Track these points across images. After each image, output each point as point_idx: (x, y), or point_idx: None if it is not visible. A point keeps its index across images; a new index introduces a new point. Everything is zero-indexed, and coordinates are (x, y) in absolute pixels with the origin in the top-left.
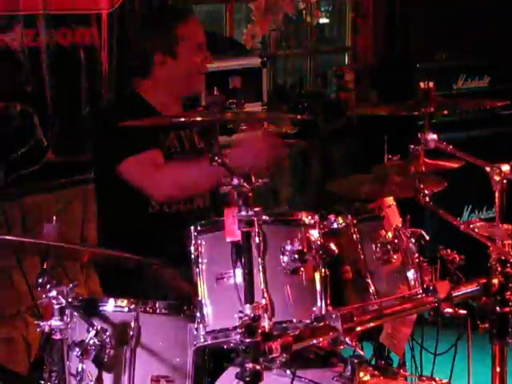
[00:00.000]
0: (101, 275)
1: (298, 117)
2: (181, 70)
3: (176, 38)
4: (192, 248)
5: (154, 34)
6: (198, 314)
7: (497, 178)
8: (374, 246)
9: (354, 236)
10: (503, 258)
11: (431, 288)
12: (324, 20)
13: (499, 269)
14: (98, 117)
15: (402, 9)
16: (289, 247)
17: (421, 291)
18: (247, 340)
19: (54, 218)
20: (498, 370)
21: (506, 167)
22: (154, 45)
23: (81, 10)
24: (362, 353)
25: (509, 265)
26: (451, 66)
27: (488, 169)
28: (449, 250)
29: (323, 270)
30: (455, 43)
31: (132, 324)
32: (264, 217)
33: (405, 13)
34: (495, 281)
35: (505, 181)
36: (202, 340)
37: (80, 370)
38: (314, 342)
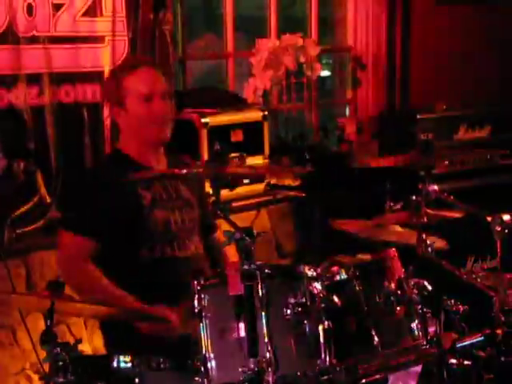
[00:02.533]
0: (104, 330)
1: (302, 170)
2: (132, 121)
3: (123, 90)
4: (195, 302)
5: (107, 87)
6: (202, 369)
7: (498, 228)
8: (377, 297)
9: (357, 288)
10: (506, 307)
11: (435, 339)
12: (325, 73)
13: (503, 319)
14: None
15: (401, 61)
16: (292, 300)
17: (425, 342)
18: None
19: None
20: None
21: (507, 217)
22: (108, 97)
23: (83, 67)
24: None
25: None
26: (451, 116)
27: (489, 219)
28: (452, 301)
29: (326, 322)
30: (455, 94)
31: (136, 380)
32: (267, 270)
33: (404, 65)
34: (499, 331)
35: (506, 230)
36: None
37: None
38: None
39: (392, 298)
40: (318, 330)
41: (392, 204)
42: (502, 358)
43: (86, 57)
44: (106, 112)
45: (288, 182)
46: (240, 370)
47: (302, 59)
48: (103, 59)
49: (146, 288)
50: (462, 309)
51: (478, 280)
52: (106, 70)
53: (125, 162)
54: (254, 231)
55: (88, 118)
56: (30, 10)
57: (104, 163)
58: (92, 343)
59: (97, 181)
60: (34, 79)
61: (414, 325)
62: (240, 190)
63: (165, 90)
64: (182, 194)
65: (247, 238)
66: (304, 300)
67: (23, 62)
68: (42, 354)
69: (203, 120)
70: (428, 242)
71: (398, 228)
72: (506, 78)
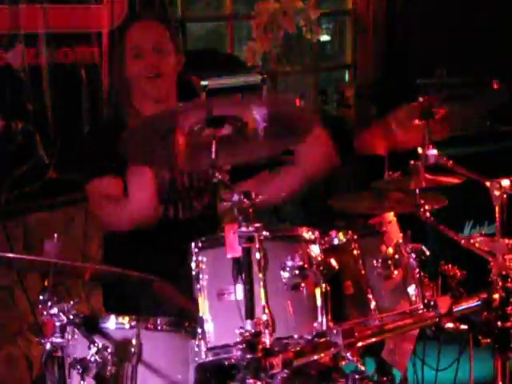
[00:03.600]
0: (104, 290)
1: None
2: (128, 76)
3: (123, 46)
4: (193, 264)
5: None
6: (200, 331)
7: (497, 193)
8: (374, 261)
9: (355, 252)
10: (504, 272)
11: (432, 303)
12: (325, 37)
13: (500, 283)
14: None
15: (402, 25)
16: (290, 263)
17: (422, 306)
18: (248, 356)
19: (56, 235)
20: None
21: (506, 182)
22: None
23: (82, 28)
24: (363, 368)
25: (510, 279)
26: (451, 82)
27: (488, 184)
28: (450, 266)
29: (324, 285)
30: (455, 59)
31: (133, 341)
32: (265, 233)
33: (405, 29)
34: (496, 296)
35: (505, 195)
36: (204, 356)
37: None
38: (315, 357)
39: (389, 262)
40: (315, 293)
41: (391, 173)
42: (499, 323)
43: (84, 17)
44: (104, 73)
45: None
46: (237, 332)
47: (302, 22)
48: (102, 20)
49: (149, 250)
50: (459, 273)
51: (476, 245)
52: (105, 30)
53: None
54: (253, 194)
55: (86, 79)
56: None
57: (102, 129)
58: (90, 304)
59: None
60: (31, 39)
61: (411, 289)
62: None
63: (159, 43)
64: None
65: (245, 200)
66: (302, 263)
67: (21, 22)
68: (40, 314)
69: (202, 82)
70: (426, 207)
71: (398, 195)
72: (506, 43)
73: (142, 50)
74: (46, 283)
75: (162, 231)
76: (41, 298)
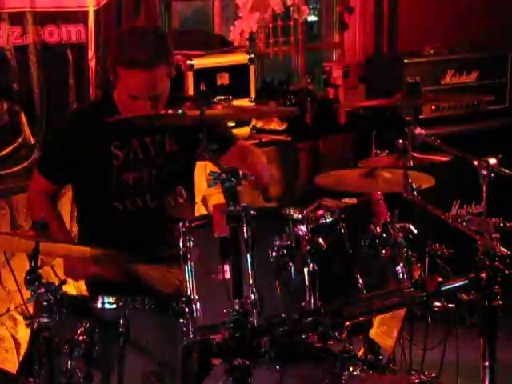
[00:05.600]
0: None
1: (287, 110)
2: (120, 95)
3: (116, 73)
4: (180, 244)
5: (110, 55)
6: (187, 310)
7: (484, 172)
8: (362, 240)
9: (343, 231)
10: (491, 251)
11: (420, 282)
12: (312, 18)
13: (487, 263)
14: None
15: (389, 4)
16: (277, 242)
17: (409, 285)
18: (236, 335)
19: (43, 214)
20: (486, 363)
21: (493, 161)
22: (109, 63)
23: (67, 7)
24: (351, 347)
25: (497, 258)
26: (439, 61)
27: (476, 162)
28: (437, 245)
29: (312, 265)
30: (443, 38)
31: (121, 321)
32: (252, 212)
33: (392, 8)
34: (483, 275)
35: (492, 174)
36: (191, 336)
37: (69, 367)
38: (303, 336)
39: (377, 241)
40: (303, 273)
41: (378, 152)
42: (486, 302)
43: None
44: (90, 53)
45: (274, 125)
46: (224, 311)
47: (289, 2)
48: None
49: (120, 237)
50: (446, 252)
51: (464, 224)
52: (91, 10)
53: (110, 114)
54: (240, 173)
55: (72, 59)
56: None
57: (85, 111)
58: (76, 284)
59: (71, 129)
60: (17, 18)
61: (398, 268)
62: None
63: (155, 93)
64: (164, 148)
65: (233, 179)
66: (289, 242)
67: (6, 1)
68: (27, 295)
69: (189, 62)
70: (414, 186)
71: (386, 174)
72: (492, 23)
73: (138, 97)
74: (33, 263)
75: (132, 218)
76: (28, 278)
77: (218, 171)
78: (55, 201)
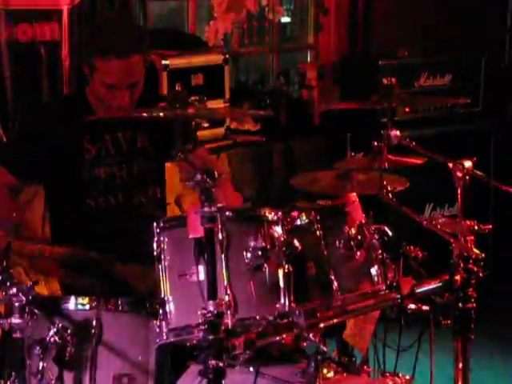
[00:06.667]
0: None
1: (261, 113)
2: (94, 91)
3: (93, 65)
4: (155, 244)
5: (85, 48)
6: (161, 311)
7: (459, 175)
8: (337, 242)
9: (318, 232)
10: (465, 254)
11: (394, 284)
12: (286, 19)
13: (461, 265)
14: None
15: (364, 6)
16: (252, 244)
17: (384, 287)
18: (210, 337)
19: (14, 214)
20: (460, 366)
21: (468, 163)
22: (84, 55)
23: (41, 5)
24: (325, 349)
25: (471, 261)
26: (413, 63)
27: (451, 165)
28: (412, 247)
29: (286, 266)
30: (417, 40)
31: (94, 322)
32: (227, 213)
33: (367, 10)
34: (458, 277)
35: (467, 177)
36: (165, 337)
37: (41, 368)
38: (278, 338)
39: (352, 242)
40: (277, 274)
41: (353, 154)
42: (460, 304)
43: None
44: (64, 51)
45: (248, 126)
46: (199, 312)
47: (264, 2)
48: None
49: (92, 235)
50: (420, 255)
51: (438, 226)
52: (65, 8)
53: (82, 109)
54: (215, 173)
55: (46, 57)
56: None
57: (57, 106)
58: (48, 285)
59: (41, 123)
60: None
61: (373, 270)
62: (199, 134)
63: (134, 79)
64: (136, 144)
65: (208, 179)
66: (264, 244)
67: None
68: None
69: (163, 62)
70: (389, 188)
71: (361, 176)
72: (467, 25)
73: (116, 86)
74: (4, 264)
75: (105, 216)
76: None
77: (193, 171)
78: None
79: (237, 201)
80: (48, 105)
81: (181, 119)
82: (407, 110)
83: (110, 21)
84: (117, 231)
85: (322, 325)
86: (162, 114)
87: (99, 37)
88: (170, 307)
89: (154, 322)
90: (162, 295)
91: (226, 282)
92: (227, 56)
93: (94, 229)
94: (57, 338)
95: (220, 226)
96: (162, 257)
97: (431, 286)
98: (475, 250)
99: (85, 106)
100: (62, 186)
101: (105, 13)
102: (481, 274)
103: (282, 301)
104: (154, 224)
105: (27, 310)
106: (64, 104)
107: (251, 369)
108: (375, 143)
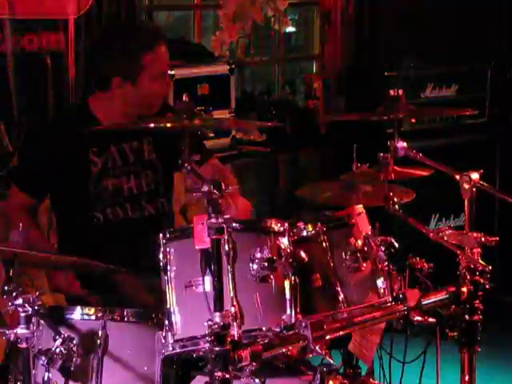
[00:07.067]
0: None
1: (269, 124)
2: (139, 96)
3: (140, 65)
4: (161, 255)
5: (118, 60)
6: (167, 322)
7: (466, 186)
8: (343, 253)
9: (324, 244)
10: (472, 266)
11: (401, 296)
12: (291, 29)
13: (468, 277)
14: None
15: (370, 16)
16: (258, 255)
17: (390, 299)
18: (216, 348)
19: (21, 224)
20: (466, 378)
21: (475, 175)
22: (115, 69)
23: (47, 15)
24: (331, 361)
25: (478, 273)
26: (419, 74)
27: (458, 177)
28: (418, 258)
29: (293, 277)
30: (423, 51)
31: (99, 332)
32: (234, 224)
33: (373, 21)
34: (464, 289)
35: (474, 189)
36: (171, 348)
37: (46, 379)
38: (284, 350)
39: (358, 254)
40: (283, 286)
41: (359, 165)
42: (467, 317)
43: (50, 4)
44: (70, 61)
45: (254, 137)
46: (205, 324)
47: (271, 13)
48: (68, 7)
49: (100, 249)
50: (427, 266)
51: (445, 238)
52: (71, 18)
53: (86, 121)
54: (222, 185)
55: (51, 67)
56: None
57: (61, 120)
58: (54, 295)
59: (47, 139)
60: None
61: (379, 282)
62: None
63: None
64: (143, 155)
65: (215, 191)
66: (270, 255)
67: None
68: (4, 305)
69: (169, 72)
70: (395, 200)
71: (367, 188)
72: (473, 36)
73: (165, 72)
74: (10, 273)
75: (113, 228)
76: (5, 288)
77: (200, 183)
78: (35, 214)
79: (247, 209)
80: (52, 122)
81: (188, 130)
82: (413, 120)
83: (128, 22)
84: (124, 243)
85: (328, 337)
86: (169, 125)
87: (137, 35)
88: (176, 318)
89: (160, 332)
90: (168, 306)
91: (232, 294)
92: (233, 66)
93: (102, 241)
94: (62, 349)
95: (226, 237)
96: (168, 268)
97: (438, 298)
98: (482, 262)
99: (89, 118)
100: (70, 199)
101: (111, 23)
102: (487, 286)
103: (288, 312)
104: (160, 235)
105: (33, 320)
106: (67, 118)
107: (257, 381)
108: (381, 154)
